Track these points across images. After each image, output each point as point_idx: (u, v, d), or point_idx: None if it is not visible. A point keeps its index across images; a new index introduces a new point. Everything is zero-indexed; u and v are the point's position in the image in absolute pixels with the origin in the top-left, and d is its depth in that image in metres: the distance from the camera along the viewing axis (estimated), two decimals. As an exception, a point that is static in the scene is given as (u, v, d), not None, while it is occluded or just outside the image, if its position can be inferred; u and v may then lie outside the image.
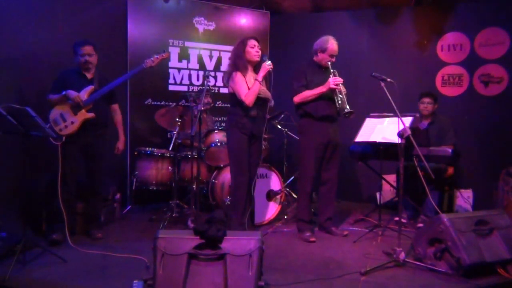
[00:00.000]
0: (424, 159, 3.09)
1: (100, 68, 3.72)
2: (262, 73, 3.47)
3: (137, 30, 4.80)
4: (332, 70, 3.58)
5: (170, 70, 5.03)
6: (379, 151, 3.86)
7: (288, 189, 4.72)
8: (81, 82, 3.54)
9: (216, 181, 4.29)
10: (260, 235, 2.41)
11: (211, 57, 5.26)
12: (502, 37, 4.69)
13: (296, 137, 4.21)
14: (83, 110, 3.48)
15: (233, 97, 3.55)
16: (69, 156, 3.45)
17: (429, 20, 5.05)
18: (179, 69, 5.09)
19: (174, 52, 5.00)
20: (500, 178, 4.10)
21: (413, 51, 5.12)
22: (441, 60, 4.99)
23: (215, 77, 5.28)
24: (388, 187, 4.65)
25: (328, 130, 3.65)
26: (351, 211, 4.73)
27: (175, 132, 4.20)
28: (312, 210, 3.99)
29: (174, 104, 4.74)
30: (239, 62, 3.51)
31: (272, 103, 3.66)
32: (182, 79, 5.11)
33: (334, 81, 3.51)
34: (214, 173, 4.37)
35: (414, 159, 3.50)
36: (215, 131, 4.37)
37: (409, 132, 3.05)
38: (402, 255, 2.98)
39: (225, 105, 4.93)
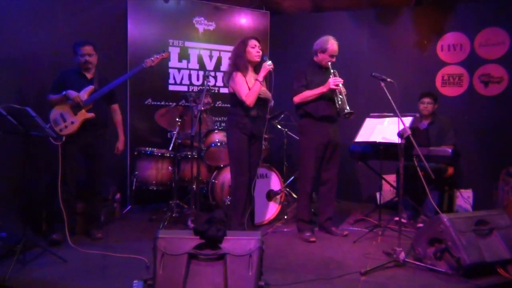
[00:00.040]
0: (424, 159, 3.08)
1: (100, 68, 3.72)
2: (262, 73, 3.47)
3: (137, 30, 4.80)
4: (332, 71, 3.59)
5: (170, 70, 5.03)
6: (379, 151, 3.86)
7: (288, 189, 4.72)
8: (81, 82, 3.54)
9: (216, 181, 4.29)
10: (260, 235, 2.41)
11: (211, 57, 5.26)
12: (502, 37, 4.69)
13: (296, 137, 4.21)
14: (83, 110, 3.48)
15: (233, 97, 3.54)
16: (69, 156, 3.45)
17: (429, 20, 5.05)
18: (179, 69, 5.08)
19: (174, 52, 5.00)
20: (500, 178, 4.11)
21: (413, 51, 5.12)
22: (441, 60, 4.98)
23: (215, 77, 5.28)
24: (388, 187, 4.65)
25: (328, 130, 3.65)
26: (351, 211, 4.73)
27: (175, 132, 4.19)
28: (312, 210, 3.99)
29: (174, 104, 4.73)
30: (240, 62, 3.50)
31: (272, 103, 3.66)
32: (182, 79, 5.11)
33: (334, 81, 3.51)
34: (214, 173, 4.37)
35: (414, 159, 3.51)
36: (215, 131, 4.37)
37: (409, 132, 3.05)
38: (402, 255, 2.98)
39: (225, 105, 4.93)
